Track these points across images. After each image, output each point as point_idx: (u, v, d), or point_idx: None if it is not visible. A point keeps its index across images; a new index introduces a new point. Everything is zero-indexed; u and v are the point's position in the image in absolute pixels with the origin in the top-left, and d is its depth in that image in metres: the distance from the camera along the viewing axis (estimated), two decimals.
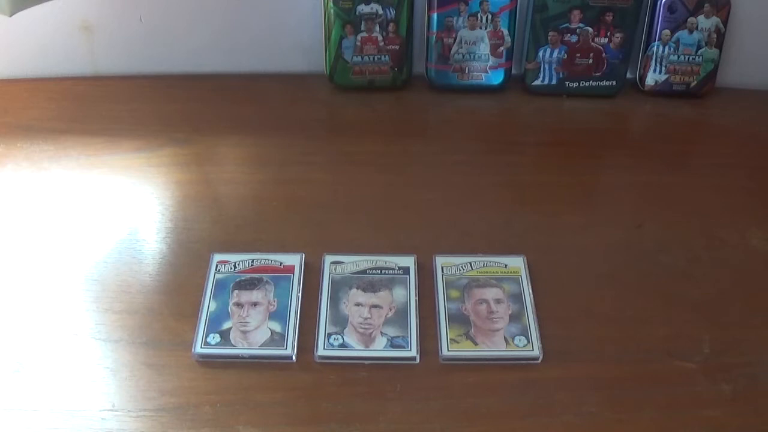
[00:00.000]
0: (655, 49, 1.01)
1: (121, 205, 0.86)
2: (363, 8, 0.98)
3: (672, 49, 1.01)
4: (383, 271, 0.77)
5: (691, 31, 1.00)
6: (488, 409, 0.67)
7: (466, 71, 1.02)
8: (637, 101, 1.04)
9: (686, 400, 0.68)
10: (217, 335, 0.71)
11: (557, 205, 0.88)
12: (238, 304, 0.74)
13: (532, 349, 0.71)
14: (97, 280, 0.77)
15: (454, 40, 1.00)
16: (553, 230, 0.84)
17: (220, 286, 0.75)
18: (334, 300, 0.74)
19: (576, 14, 0.99)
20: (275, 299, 0.74)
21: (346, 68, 1.01)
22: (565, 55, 1.01)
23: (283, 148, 0.95)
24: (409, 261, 0.78)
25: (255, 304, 0.74)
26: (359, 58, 1.01)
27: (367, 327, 0.72)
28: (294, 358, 0.70)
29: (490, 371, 0.70)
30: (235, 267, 0.77)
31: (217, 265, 0.77)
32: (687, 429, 0.66)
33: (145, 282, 0.77)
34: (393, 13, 0.98)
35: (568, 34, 1.00)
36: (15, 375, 0.68)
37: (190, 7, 1.02)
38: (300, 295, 0.75)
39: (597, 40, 1.00)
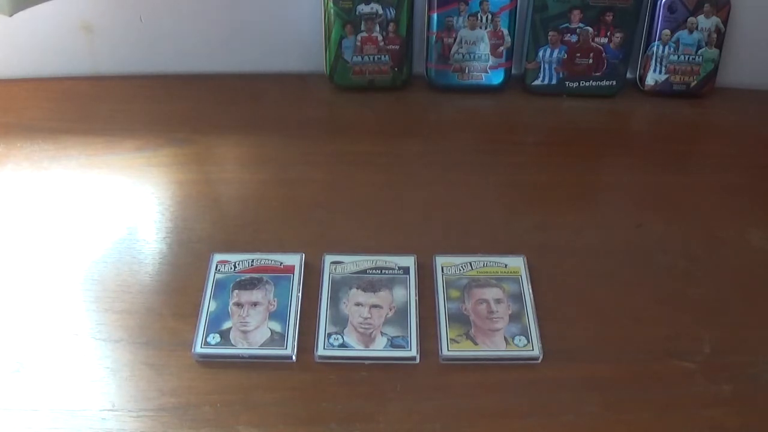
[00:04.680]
0: (655, 49, 1.01)
1: (121, 205, 0.86)
2: (363, 8, 0.98)
3: (672, 49, 1.01)
4: (383, 271, 0.77)
5: (691, 31, 1.00)
6: (488, 409, 0.67)
7: (466, 71, 1.02)
8: (637, 101, 1.04)
9: (686, 400, 0.68)
10: (217, 335, 0.71)
11: (557, 205, 0.88)
12: (238, 304, 0.74)
13: (532, 349, 0.71)
14: (97, 280, 0.77)
15: (454, 40, 1.00)
16: (553, 230, 0.84)
17: (220, 286, 0.75)
18: (334, 300, 0.74)
19: (576, 14, 0.99)
20: (275, 299, 0.74)
21: (346, 68, 1.01)
22: (565, 55, 1.01)
23: (283, 148, 0.95)
24: (409, 261, 0.78)
25: (255, 304, 0.74)
26: (359, 58, 1.01)
27: (367, 327, 0.72)
28: (294, 358, 0.70)
29: (490, 371, 0.70)
30: (235, 267, 0.77)
31: (217, 265, 0.77)
32: (687, 429, 0.66)
33: (145, 282, 0.77)
34: (393, 13, 0.98)
35: (568, 34, 1.00)
36: (15, 375, 0.69)
37: (190, 7, 1.02)
38: (300, 295, 0.75)
39: (597, 40, 1.00)
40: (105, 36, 1.03)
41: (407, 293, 0.75)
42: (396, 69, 1.02)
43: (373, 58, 1.01)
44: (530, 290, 0.76)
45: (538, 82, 1.03)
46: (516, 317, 0.73)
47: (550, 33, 1.00)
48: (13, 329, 0.72)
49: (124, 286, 0.77)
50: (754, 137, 1.00)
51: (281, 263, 0.77)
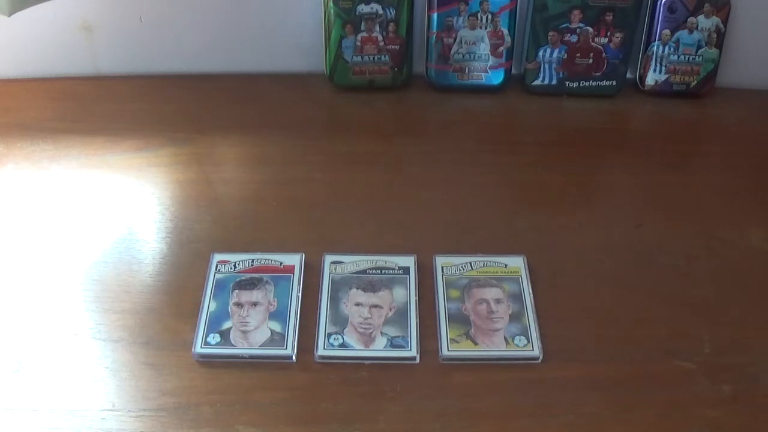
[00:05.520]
0: (655, 49, 1.01)
1: (121, 205, 0.86)
2: (363, 8, 0.98)
3: (672, 49, 1.01)
4: (383, 271, 0.77)
5: (691, 31, 1.00)
6: (488, 409, 0.67)
7: (466, 71, 1.02)
8: (637, 101, 1.04)
9: (686, 400, 0.68)
10: (217, 335, 0.71)
11: (557, 205, 0.88)
12: (238, 304, 0.74)
13: (532, 349, 0.71)
14: (97, 280, 0.77)
15: (454, 40, 1.00)
16: (553, 230, 0.84)
17: (220, 286, 0.75)
18: (334, 300, 0.74)
19: (576, 14, 0.99)
20: (275, 299, 0.74)
21: (346, 68, 1.01)
22: (565, 55, 1.01)
23: (283, 148, 0.95)
24: (409, 261, 0.78)
25: (255, 304, 0.74)
26: (359, 58, 1.01)
27: (367, 327, 0.72)
28: (294, 358, 0.70)
29: (490, 371, 0.70)
30: (235, 267, 0.77)
31: (217, 265, 0.77)
32: (687, 429, 0.66)
33: (145, 282, 0.77)
34: (393, 13, 0.98)
35: (568, 34, 1.00)
36: (15, 375, 0.69)
37: (190, 7, 1.02)
38: (300, 295, 0.75)
39: (597, 40, 1.00)
40: (105, 36, 1.03)
41: (407, 293, 0.75)
42: (396, 69, 1.02)
43: (373, 58, 1.01)
44: (530, 290, 0.76)
45: (538, 82, 1.03)
46: (516, 317, 0.73)
47: (550, 33, 1.00)
48: (13, 329, 0.72)
49: (124, 286, 0.77)
50: (754, 137, 1.00)
51: (281, 263, 0.77)
